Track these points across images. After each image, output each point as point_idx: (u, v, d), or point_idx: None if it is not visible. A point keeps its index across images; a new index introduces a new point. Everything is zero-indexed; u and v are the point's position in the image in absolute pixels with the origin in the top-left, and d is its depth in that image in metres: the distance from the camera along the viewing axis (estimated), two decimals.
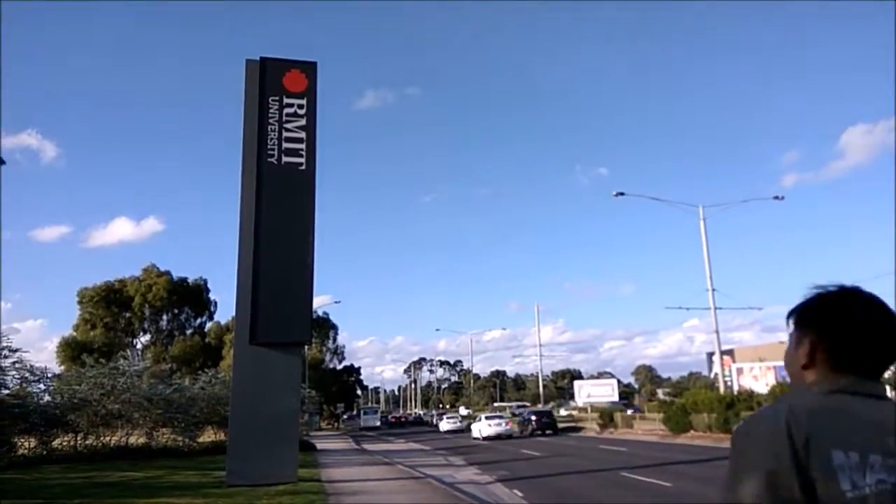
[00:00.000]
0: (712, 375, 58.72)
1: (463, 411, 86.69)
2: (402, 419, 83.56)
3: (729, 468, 1.44)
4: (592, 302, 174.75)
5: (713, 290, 33.56)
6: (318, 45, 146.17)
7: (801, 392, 1.49)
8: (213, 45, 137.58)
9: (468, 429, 45.78)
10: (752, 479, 1.37)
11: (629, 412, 51.22)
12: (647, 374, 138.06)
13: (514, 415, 52.95)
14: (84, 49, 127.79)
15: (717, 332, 33.88)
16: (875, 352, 1.45)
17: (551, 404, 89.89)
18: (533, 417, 43.06)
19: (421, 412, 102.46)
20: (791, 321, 1.58)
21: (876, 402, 1.42)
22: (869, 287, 1.52)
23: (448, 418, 51.02)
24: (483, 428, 38.76)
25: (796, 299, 1.58)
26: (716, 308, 33.73)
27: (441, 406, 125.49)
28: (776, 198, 37.25)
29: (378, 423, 66.52)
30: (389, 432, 59.50)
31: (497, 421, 40.29)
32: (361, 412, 71.73)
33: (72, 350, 54.79)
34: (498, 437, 37.47)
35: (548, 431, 40.95)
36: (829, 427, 1.35)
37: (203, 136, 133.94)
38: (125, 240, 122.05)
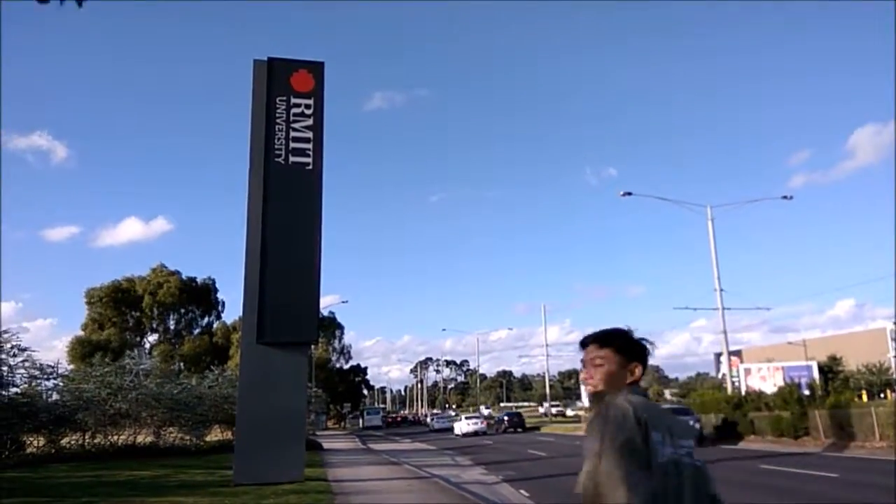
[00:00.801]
0: (720, 376, 58.44)
1: (484, 411, 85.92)
2: (399, 419, 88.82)
3: (593, 444, 2.12)
4: (599, 302, 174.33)
5: (721, 290, 33.45)
6: (328, 49, 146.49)
7: (625, 393, 2.31)
8: (223, 45, 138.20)
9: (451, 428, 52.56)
10: (616, 446, 2.06)
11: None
12: (655, 375, 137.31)
13: (490, 416, 67.57)
14: (94, 49, 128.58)
15: (724, 332, 33.73)
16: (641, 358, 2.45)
17: (558, 405, 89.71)
18: (505, 418, 52.93)
19: (428, 412, 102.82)
20: (610, 348, 2.40)
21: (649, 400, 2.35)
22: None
23: (467, 418, 51.14)
24: (463, 426, 47.61)
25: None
26: (724, 308, 33.61)
27: (447, 406, 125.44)
28: (785, 197, 37.04)
29: (379, 423, 69.51)
30: (397, 432, 60.24)
31: (474, 420, 49.38)
32: (364, 412, 74.29)
33: (82, 349, 55.10)
34: (475, 433, 45.45)
35: (518, 429, 49.67)
36: (649, 415, 2.16)
37: (214, 135, 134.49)
38: (134, 240, 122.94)
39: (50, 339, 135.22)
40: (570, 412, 78.82)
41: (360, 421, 70.31)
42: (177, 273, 67.21)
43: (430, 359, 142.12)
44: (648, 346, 2.46)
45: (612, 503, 1.99)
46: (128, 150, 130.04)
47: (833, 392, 27.56)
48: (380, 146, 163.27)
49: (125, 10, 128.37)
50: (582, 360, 2.49)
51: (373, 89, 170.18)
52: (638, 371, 2.40)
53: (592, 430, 2.18)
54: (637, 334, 2.48)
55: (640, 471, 2.03)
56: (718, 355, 58.24)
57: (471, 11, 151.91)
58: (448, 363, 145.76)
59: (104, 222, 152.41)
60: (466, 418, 50.86)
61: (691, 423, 21.65)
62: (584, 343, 2.49)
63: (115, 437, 24.12)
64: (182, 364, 44.21)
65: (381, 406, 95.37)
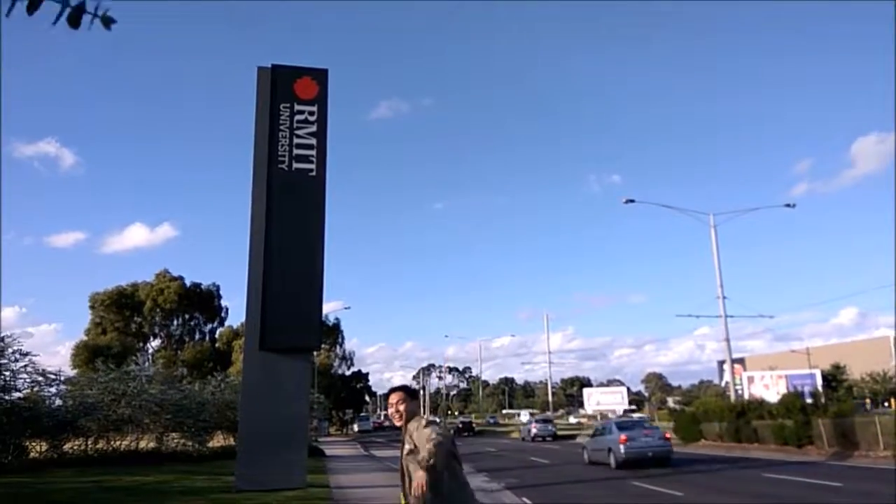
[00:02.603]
0: (723, 384, 58.35)
1: (524, 416, 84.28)
2: (385, 424, 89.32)
3: (435, 428, 4.13)
4: (602, 309, 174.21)
5: (724, 298, 33.43)
6: (336, 58, 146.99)
7: (424, 416, 4.44)
8: (228, 53, 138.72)
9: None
10: (445, 435, 4.08)
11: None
12: (658, 382, 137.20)
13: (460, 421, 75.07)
14: (101, 56, 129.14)
15: (727, 340, 33.66)
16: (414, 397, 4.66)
17: (560, 412, 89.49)
18: (460, 423, 65.43)
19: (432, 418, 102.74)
20: (404, 393, 4.44)
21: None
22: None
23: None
24: None
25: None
26: (727, 316, 33.59)
27: (450, 412, 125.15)
28: (787, 206, 36.94)
29: (369, 428, 76.60)
30: (399, 437, 60.25)
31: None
32: (357, 419, 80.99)
33: (86, 354, 55.14)
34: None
35: (467, 433, 59.81)
36: (443, 424, 4.98)
37: (222, 141, 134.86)
38: (139, 246, 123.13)
39: (54, 345, 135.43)
40: (572, 419, 78.58)
41: (356, 426, 78.66)
42: (179, 279, 67.29)
43: (433, 365, 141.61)
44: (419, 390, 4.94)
45: (446, 446, 4.01)
46: (134, 156, 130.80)
47: (836, 401, 27.51)
48: (384, 154, 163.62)
49: (132, 15, 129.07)
50: (388, 402, 4.64)
51: (378, 98, 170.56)
52: (417, 404, 4.46)
53: (432, 426, 4.16)
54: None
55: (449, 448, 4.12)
56: (722, 363, 58.14)
57: (474, 20, 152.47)
58: (451, 370, 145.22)
59: (110, 228, 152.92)
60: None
61: (656, 438, 21.54)
62: (388, 392, 4.72)
63: (118, 443, 24.13)
64: (184, 370, 44.23)
65: (383, 412, 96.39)
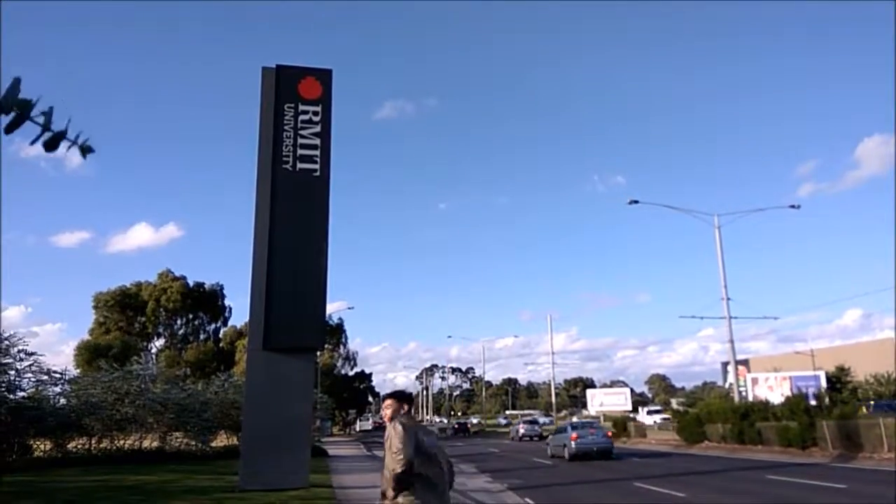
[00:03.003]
0: (727, 385, 58.20)
1: (542, 418, 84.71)
2: (383, 424, 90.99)
3: (399, 443, 4.79)
4: (606, 310, 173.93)
5: (728, 299, 33.35)
6: (342, 59, 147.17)
7: (399, 418, 5.07)
8: (233, 54, 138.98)
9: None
10: (409, 442, 4.80)
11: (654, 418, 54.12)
12: (661, 384, 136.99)
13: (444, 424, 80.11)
14: (107, 56, 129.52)
15: (731, 341, 33.60)
16: (405, 401, 5.36)
17: (563, 412, 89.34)
18: (455, 426, 71.66)
19: (435, 419, 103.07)
20: (393, 399, 5.34)
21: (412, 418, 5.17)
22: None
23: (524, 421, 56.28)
24: None
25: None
26: (731, 317, 33.50)
27: (452, 413, 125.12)
28: (792, 206, 36.85)
29: (369, 427, 78.97)
30: None
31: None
32: (357, 419, 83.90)
33: (89, 354, 55.27)
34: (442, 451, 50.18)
35: (462, 434, 65.01)
36: (416, 427, 5.02)
37: (224, 142, 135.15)
38: (144, 245, 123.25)
39: (58, 344, 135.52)
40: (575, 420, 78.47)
41: (358, 426, 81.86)
42: (183, 278, 67.42)
43: (436, 366, 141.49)
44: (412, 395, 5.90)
45: (406, 456, 4.75)
46: (140, 156, 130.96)
47: (840, 403, 27.42)
48: (389, 154, 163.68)
49: (137, 16, 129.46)
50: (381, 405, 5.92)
51: (383, 98, 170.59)
52: (405, 407, 5.25)
53: (399, 434, 4.85)
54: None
55: (412, 444, 4.81)
56: (725, 364, 58.00)
57: (478, 21, 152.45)
58: (454, 370, 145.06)
59: (115, 228, 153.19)
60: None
61: (599, 436, 26.78)
62: (383, 398, 6.07)
63: (122, 442, 24.20)
64: (188, 369, 44.34)
65: (368, 414, 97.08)
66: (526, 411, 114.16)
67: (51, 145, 1.69)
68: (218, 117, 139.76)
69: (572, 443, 25.80)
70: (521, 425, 52.62)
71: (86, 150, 1.75)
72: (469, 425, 74.35)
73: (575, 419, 65.11)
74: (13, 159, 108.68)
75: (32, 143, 1.67)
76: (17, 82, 1.66)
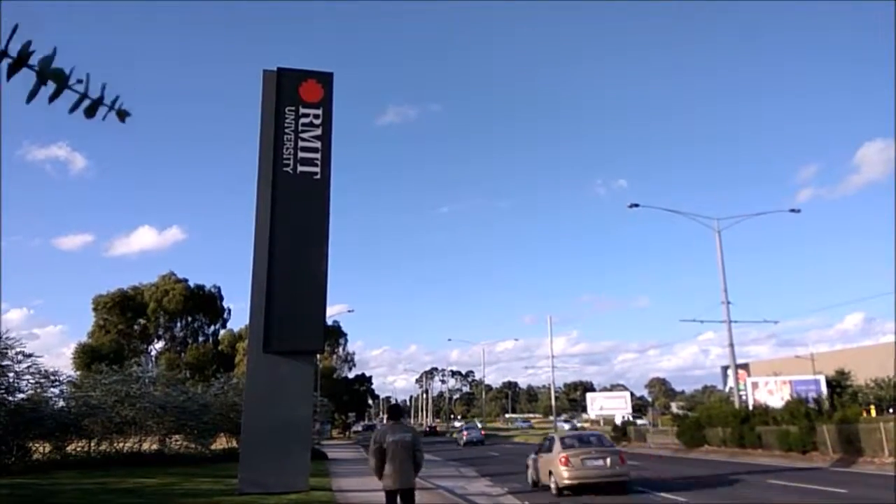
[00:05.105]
0: (727, 389, 58.06)
1: (456, 423, 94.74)
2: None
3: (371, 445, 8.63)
4: (607, 313, 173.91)
5: (728, 302, 33.28)
6: (346, 63, 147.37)
7: (381, 426, 12.05)
8: (235, 57, 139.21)
9: None
10: (371, 443, 8.73)
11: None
12: (661, 387, 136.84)
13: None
14: (108, 57, 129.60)
15: (731, 345, 33.53)
16: (392, 415, 9.70)
17: (563, 416, 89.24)
18: (427, 428, 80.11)
19: (435, 422, 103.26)
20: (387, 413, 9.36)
21: (397, 424, 8.87)
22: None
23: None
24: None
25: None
26: (731, 321, 33.42)
27: (452, 416, 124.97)
28: (792, 210, 36.88)
29: (360, 430, 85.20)
30: None
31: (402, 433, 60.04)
32: (355, 422, 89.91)
33: (87, 356, 55.20)
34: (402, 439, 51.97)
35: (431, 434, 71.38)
36: (386, 429, 8.69)
37: (225, 144, 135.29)
38: (146, 248, 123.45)
39: (59, 346, 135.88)
40: (577, 424, 78.36)
41: (358, 429, 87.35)
42: (184, 281, 67.35)
43: (436, 369, 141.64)
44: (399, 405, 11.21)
45: (369, 453, 9.03)
46: (144, 159, 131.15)
47: (840, 407, 27.37)
48: (391, 158, 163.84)
49: (140, 19, 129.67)
50: None
51: (386, 104, 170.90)
52: (386, 419, 6.10)
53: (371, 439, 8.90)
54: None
55: (372, 444, 8.56)
56: (726, 368, 57.88)
57: (480, 25, 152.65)
58: (454, 373, 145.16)
59: (118, 231, 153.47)
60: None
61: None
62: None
63: (121, 445, 24.16)
64: (188, 372, 44.19)
65: (385, 415, 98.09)
66: (518, 415, 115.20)
67: (90, 111, 1.75)
68: (218, 119, 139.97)
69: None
70: (464, 431, 55.79)
71: (123, 115, 1.80)
72: (437, 428, 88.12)
73: (567, 427, 65.50)
74: (20, 163, 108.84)
75: (71, 110, 1.73)
76: (51, 54, 1.71)
